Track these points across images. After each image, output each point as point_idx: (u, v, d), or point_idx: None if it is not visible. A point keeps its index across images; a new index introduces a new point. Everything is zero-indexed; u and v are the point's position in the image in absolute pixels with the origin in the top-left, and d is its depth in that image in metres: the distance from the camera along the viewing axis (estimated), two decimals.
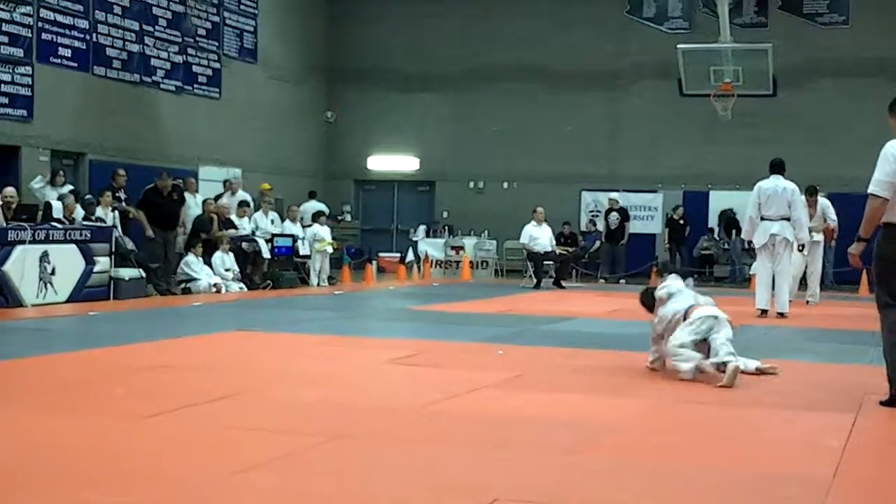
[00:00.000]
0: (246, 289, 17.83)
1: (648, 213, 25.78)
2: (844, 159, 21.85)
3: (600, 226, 24.85)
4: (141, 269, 16.06)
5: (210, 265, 17.43)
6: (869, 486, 5.06)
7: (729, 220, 24.31)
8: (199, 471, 4.92)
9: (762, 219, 14.04)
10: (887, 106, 7.35)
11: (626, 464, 5.31)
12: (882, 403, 7.06)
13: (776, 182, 14.06)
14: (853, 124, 22.59)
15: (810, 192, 16.66)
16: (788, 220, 14.01)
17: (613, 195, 24.33)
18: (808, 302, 16.64)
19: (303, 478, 4.84)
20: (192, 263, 17.11)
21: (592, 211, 25.93)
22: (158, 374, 8.00)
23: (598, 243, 24.71)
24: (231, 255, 17.96)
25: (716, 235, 25.01)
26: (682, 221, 24.30)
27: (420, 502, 4.51)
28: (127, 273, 15.69)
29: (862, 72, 23.86)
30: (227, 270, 17.68)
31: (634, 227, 24.85)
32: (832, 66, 24.41)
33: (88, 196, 17.27)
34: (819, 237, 16.85)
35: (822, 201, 17.22)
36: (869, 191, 6.99)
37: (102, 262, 15.25)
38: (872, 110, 7.96)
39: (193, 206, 18.87)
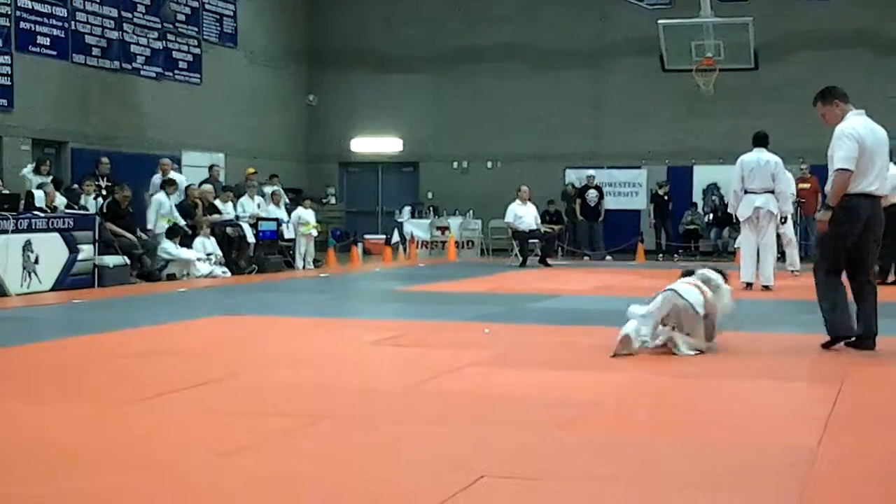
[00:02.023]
0: (229, 273, 17.75)
1: (633, 190, 25.77)
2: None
3: (571, 204, 24.51)
4: (125, 257, 15.99)
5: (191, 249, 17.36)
6: (853, 455, 5.08)
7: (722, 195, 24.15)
8: (186, 454, 4.92)
9: (746, 192, 14.10)
10: (817, 95, 8.80)
11: (611, 438, 5.32)
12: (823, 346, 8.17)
13: (759, 155, 14.13)
14: None
15: None
16: (772, 192, 14.09)
17: (591, 172, 24.22)
18: (793, 272, 16.69)
19: (289, 459, 4.83)
20: (169, 247, 17.04)
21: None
22: (144, 360, 7.98)
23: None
24: (212, 238, 17.89)
25: (700, 210, 24.98)
26: (665, 197, 24.28)
27: (406, 481, 4.51)
28: (111, 260, 15.63)
29: (842, 43, 23.87)
30: (208, 255, 17.61)
31: (619, 203, 24.80)
32: (813, 38, 24.38)
33: (75, 186, 17.19)
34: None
35: None
36: (840, 167, 8.04)
37: (86, 250, 15.17)
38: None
39: (182, 183, 18.94)
